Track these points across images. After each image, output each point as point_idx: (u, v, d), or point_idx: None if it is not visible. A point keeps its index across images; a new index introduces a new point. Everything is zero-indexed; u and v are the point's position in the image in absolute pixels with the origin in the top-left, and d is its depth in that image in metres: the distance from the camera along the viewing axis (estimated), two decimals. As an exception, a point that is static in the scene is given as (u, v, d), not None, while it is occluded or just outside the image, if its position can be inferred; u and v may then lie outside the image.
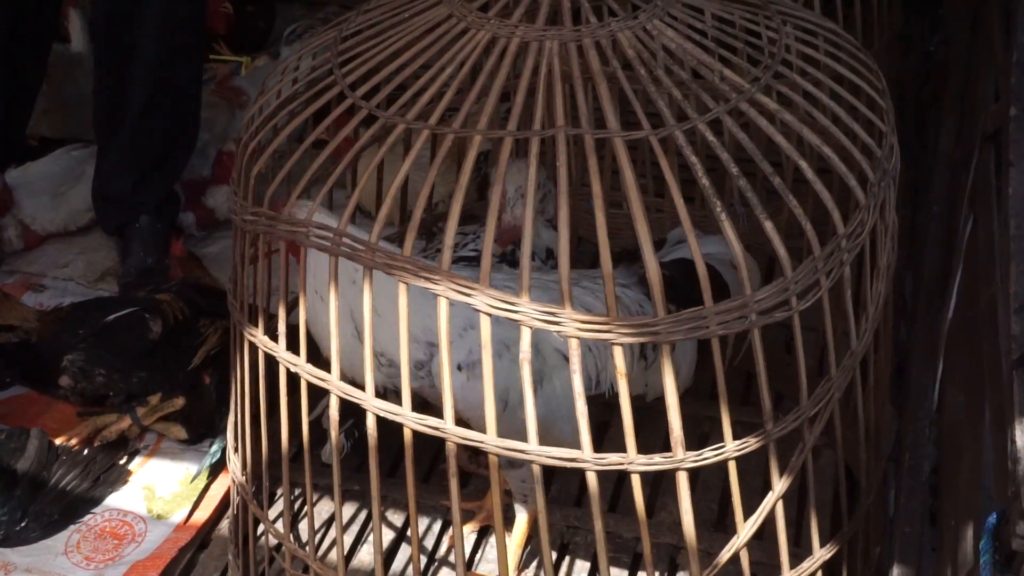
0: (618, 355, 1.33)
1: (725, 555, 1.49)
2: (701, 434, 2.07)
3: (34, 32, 2.71)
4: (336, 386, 1.47)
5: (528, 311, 1.31)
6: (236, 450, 1.74)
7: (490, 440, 1.38)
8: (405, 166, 1.41)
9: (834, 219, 1.42)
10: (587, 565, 1.91)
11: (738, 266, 1.34)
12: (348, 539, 1.92)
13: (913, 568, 1.67)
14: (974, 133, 1.98)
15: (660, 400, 1.38)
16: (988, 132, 1.83)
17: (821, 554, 1.61)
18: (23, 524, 1.97)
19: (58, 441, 2.11)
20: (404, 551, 1.94)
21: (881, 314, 1.62)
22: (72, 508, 2.03)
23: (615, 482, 2.03)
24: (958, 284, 1.88)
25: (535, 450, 1.38)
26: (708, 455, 1.41)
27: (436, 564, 1.94)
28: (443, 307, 1.35)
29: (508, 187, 1.83)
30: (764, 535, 1.56)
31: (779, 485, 1.48)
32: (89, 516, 2.03)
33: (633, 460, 1.38)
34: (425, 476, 2.08)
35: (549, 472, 1.57)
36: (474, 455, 2.05)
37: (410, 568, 1.88)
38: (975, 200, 1.86)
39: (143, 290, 2.38)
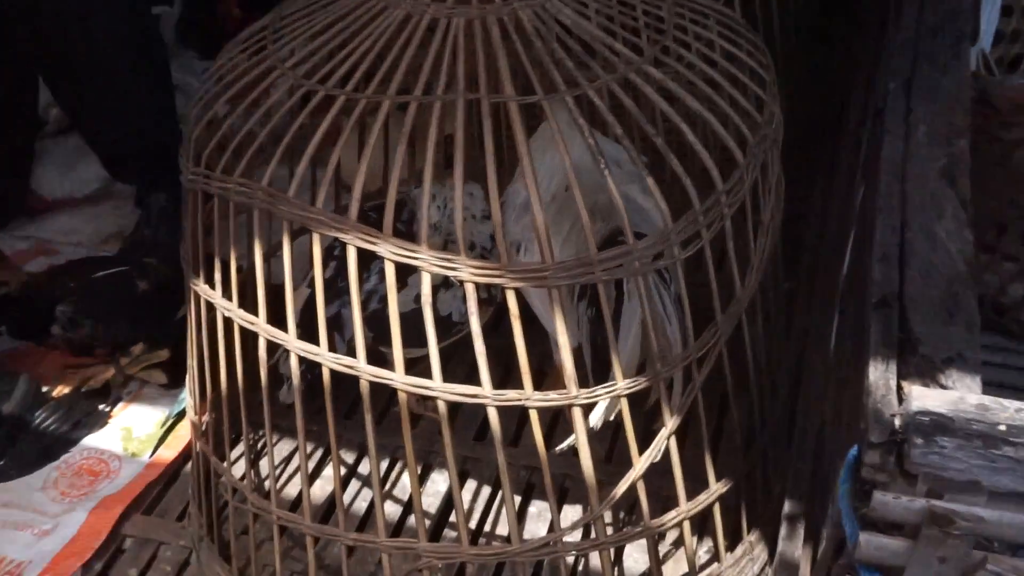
0: (511, 297, 1.31)
1: (622, 486, 1.46)
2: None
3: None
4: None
5: (427, 258, 1.29)
6: (191, 393, 1.71)
7: (398, 378, 1.36)
8: (331, 138, 1.38)
9: (713, 177, 1.39)
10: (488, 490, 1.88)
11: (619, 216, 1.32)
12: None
13: (802, 503, 1.64)
14: (868, 111, 1.96)
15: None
16: (879, 108, 1.80)
17: (717, 488, 1.59)
18: (1, 463, 1.96)
19: (46, 389, 2.09)
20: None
21: (767, 266, 1.59)
22: (50, 448, 2.00)
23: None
24: (851, 244, 1.85)
25: (440, 387, 1.36)
26: (600, 392, 1.39)
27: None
28: (352, 253, 1.34)
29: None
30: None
31: (670, 422, 1.46)
32: (68, 455, 2.00)
33: (530, 396, 1.36)
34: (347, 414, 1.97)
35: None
36: (421, 400, 1.97)
37: (359, 500, 1.86)
38: (866, 169, 1.83)
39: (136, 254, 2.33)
